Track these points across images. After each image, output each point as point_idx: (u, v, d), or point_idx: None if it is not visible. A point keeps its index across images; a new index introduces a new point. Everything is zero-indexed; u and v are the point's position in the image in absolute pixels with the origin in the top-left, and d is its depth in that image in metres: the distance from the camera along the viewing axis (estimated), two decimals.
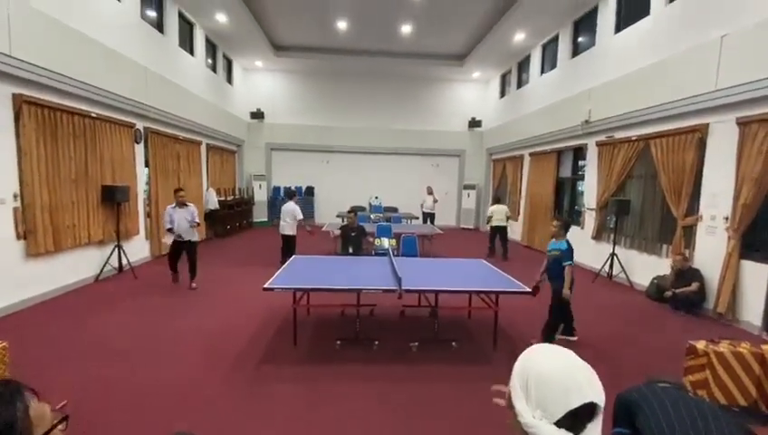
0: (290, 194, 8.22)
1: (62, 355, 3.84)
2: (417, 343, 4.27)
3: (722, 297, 5.27)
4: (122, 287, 6.05)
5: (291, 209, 7.71)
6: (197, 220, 5.87)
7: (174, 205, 5.83)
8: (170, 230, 5.78)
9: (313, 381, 3.52)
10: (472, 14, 10.10)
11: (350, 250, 6.42)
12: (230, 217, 11.57)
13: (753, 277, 5.05)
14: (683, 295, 5.62)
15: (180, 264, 6.14)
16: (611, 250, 7.31)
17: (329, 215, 13.15)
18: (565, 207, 9.88)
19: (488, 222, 9.43)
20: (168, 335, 4.36)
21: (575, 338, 4.49)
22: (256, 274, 7.00)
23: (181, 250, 5.99)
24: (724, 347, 3.03)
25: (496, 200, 9.88)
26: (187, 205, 5.83)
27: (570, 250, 4.27)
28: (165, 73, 8.31)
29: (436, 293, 4.26)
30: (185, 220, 5.82)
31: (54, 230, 5.52)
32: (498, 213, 9.42)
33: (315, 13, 10.30)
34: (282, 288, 3.87)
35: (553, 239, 4.43)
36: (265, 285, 3.88)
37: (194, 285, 5.95)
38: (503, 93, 13.85)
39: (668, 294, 5.77)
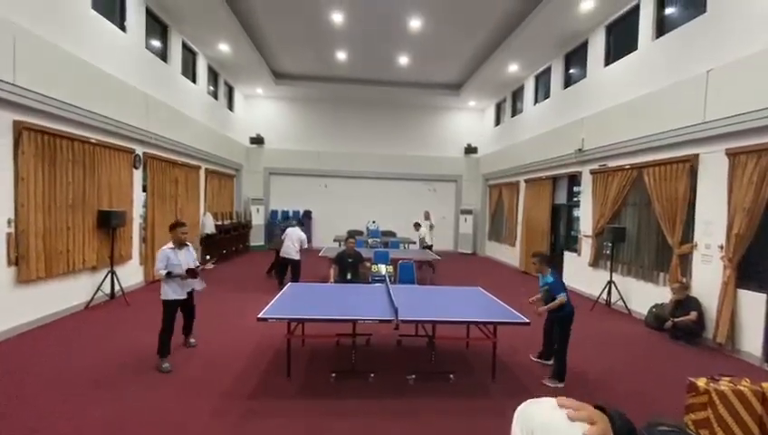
0: (299, 221, 8.36)
1: (42, 385, 3.71)
2: (413, 376, 4.18)
3: (720, 327, 5.22)
4: (113, 314, 5.92)
5: (298, 235, 7.79)
6: (199, 263, 4.57)
7: (171, 245, 4.31)
8: (170, 275, 4.20)
9: (307, 416, 3.41)
10: (467, 46, 10.46)
11: (348, 277, 6.36)
12: (227, 242, 11.51)
13: (750, 307, 5.02)
14: (682, 325, 5.57)
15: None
16: (609, 277, 7.29)
17: (326, 239, 13.12)
18: (561, 232, 9.91)
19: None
20: (156, 364, 4.24)
21: (561, 385, 4.14)
22: (252, 300, 6.88)
23: (185, 304, 4.57)
24: (724, 385, 2.98)
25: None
26: (187, 244, 4.44)
27: (557, 282, 4.28)
28: (166, 100, 8.46)
29: (434, 323, 4.20)
30: (189, 266, 4.39)
31: (47, 256, 5.45)
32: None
33: (316, 44, 10.63)
34: (276, 319, 3.81)
35: (540, 274, 4.46)
36: (260, 315, 3.81)
37: (192, 340, 4.80)
38: (498, 121, 14.12)
39: (669, 324, 5.71)
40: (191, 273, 4.29)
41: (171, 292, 4.27)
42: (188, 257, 4.41)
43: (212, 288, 7.89)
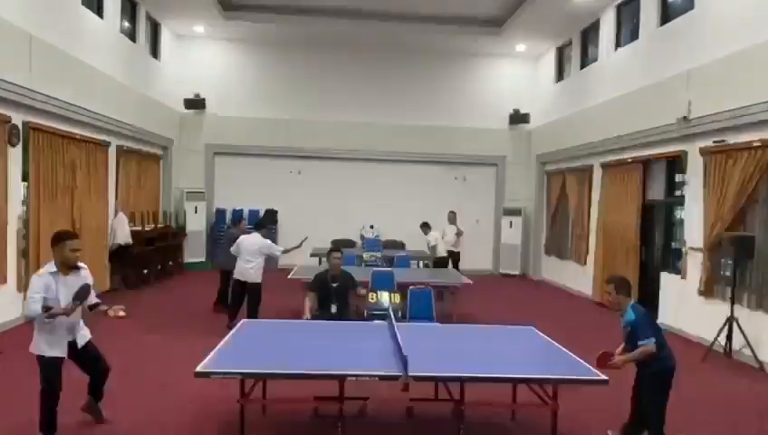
0: (261, 223, 8.43)
1: None
2: None
3: None
4: None
5: (258, 244, 7.81)
6: (97, 299, 4.45)
7: (53, 268, 4.11)
8: (48, 311, 3.90)
9: None
10: None
11: (333, 310, 6.35)
12: (149, 257, 11.55)
13: None
14: None
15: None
16: (729, 312, 7.26)
17: (299, 253, 13.05)
18: (657, 244, 9.88)
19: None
20: None
21: None
22: (187, 345, 6.84)
23: (83, 358, 4.39)
24: None
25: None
26: (79, 267, 4.29)
27: (643, 320, 4.21)
28: (58, 43, 8.49)
29: (462, 381, 4.19)
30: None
31: None
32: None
33: None
34: (223, 374, 3.80)
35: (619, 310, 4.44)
36: (199, 369, 3.81)
37: (104, 415, 4.64)
38: (560, 75, 14.12)
39: None
40: (74, 310, 4.09)
41: (45, 344, 4.04)
42: (77, 284, 4.13)
43: (128, 328, 7.87)
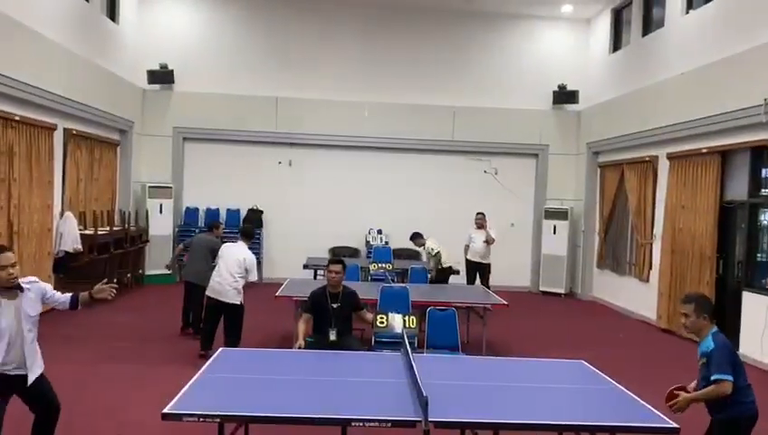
0: (248, 232, 8.46)
1: None
2: None
3: None
4: None
5: (240, 257, 7.83)
6: (63, 295, 4.58)
7: None
8: None
9: None
10: None
11: (332, 337, 6.35)
12: (102, 268, 11.58)
13: None
14: None
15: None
16: None
17: (290, 264, 13.16)
18: (737, 256, 9.84)
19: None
20: None
21: None
22: (152, 378, 6.87)
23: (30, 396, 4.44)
24: None
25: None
26: (22, 288, 4.27)
27: (720, 351, 4.12)
28: None
29: (496, 428, 4.19)
30: (21, 331, 4.23)
31: None
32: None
33: None
34: (198, 416, 3.81)
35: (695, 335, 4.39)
36: (167, 410, 3.81)
37: None
38: (616, 44, 14.08)
39: None
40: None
41: None
42: (22, 308, 4.21)
43: (77, 355, 7.91)
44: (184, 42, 14.61)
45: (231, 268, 7.79)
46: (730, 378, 4.04)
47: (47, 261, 10.26)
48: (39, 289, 4.39)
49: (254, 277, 8.05)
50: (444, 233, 13.80)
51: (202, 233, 10.37)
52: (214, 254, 8.38)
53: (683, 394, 4.24)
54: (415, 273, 10.82)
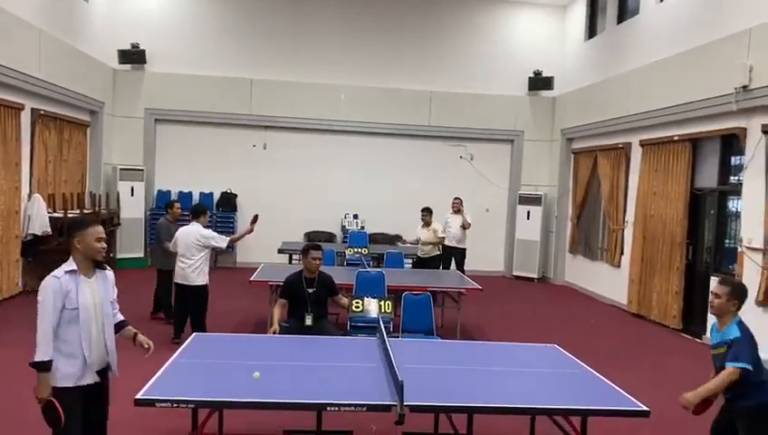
0: (199, 210, 8.27)
1: None
2: None
3: None
4: None
5: (195, 236, 7.80)
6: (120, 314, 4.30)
7: (72, 265, 3.97)
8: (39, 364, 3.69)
9: None
10: None
11: (308, 321, 6.35)
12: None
13: None
14: None
15: None
16: None
17: (265, 248, 13.10)
18: (706, 242, 10.01)
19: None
20: None
21: None
22: (123, 365, 6.83)
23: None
24: None
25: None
26: (104, 267, 4.18)
27: (746, 340, 4.09)
28: None
29: (470, 412, 4.23)
30: (102, 316, 3.98)
31: None
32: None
33: None
34: (171, 401, 3.80)
35: (716, 323, 4.33)
36: (139, 395, 3.80)
37: None
38: (592, 31, 14.14)
39: None
40: None
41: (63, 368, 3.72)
42: (105, 293, 4.05)
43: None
44: (156, 21, 14.38)
45: (188, 251, 7.77)
46: (750, 367, 3.98)
47: (15, 244, 10.10)
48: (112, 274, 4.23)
49: (219, 244, 7.97)
50: (420, 218, 13.92)
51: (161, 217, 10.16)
52: (166, 236, 8.51)
53: (687, 395, 4.06)
54: (391, 257, 10.86)
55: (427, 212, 11.14)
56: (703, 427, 4.34)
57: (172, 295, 8.49)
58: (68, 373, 3.71)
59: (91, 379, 3.81)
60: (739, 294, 4.27)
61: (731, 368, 3.99)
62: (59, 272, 3.86)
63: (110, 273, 4.20)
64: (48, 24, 11.11)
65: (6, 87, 9.70)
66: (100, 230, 4.03)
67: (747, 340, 4.12)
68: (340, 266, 10.24)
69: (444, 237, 11.21)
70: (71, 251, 3.96)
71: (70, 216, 11.42)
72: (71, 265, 3.91)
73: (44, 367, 3.64)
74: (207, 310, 7.91)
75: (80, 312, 3.80)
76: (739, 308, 4.27)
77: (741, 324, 4.19)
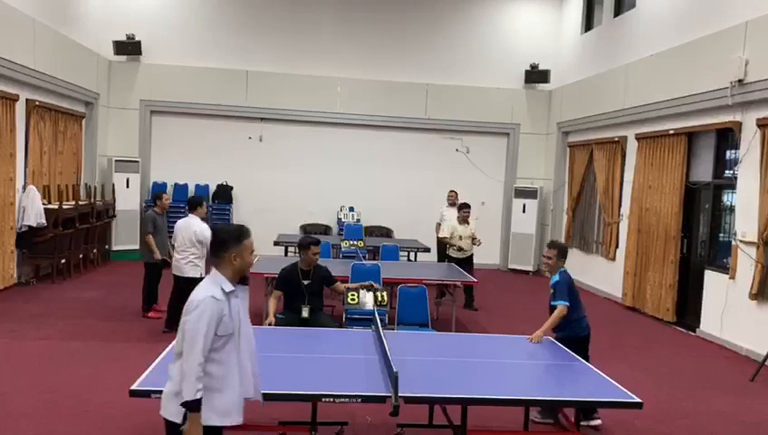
0: (194, 203, 8.20)
1: None
2: None
3: None
4: None
5: (192, 230, 7.83)
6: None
7: (228, 285, 3.39)
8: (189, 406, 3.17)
9: None
10: None
11: (304, 313, 6.37)
12: (67, 243, 11.42)
13: None
14: None
15: None
16: None
17: (261, 241, 13.07)
18: (701, 236, 10.05)
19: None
20: None
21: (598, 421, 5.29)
22: (118, 355, 6.83)
23: None
24: None
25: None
26: (247, 282, 3.62)
27: (562, 284, 5.36)
28: None
29: (464, 403, 4.25)
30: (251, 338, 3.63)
31: None
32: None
33: None
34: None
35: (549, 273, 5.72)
36: (134, 386, 3.81)
37: None
38: (588, 24, 14.13)
39: None
40: None
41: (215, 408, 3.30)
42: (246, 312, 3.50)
43: (41, 333, 7.82)
44: (152, 12, 14.30)
45: (184, 244, 7.82)
46: (566, 303, 5.27)
47: (10, 236, 10.08)
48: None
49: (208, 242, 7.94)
50: (416, 210, 13.96)
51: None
52: (150, 227, 8.59)
53: (536, 332, 5.31)
54: (386, 250, 10.87)
55: (467, 208, 10.57)
56: (695, 418, 4.39)
57: (157, 288, 8.73)
58: (222, 409, 3.31)
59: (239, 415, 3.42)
60: (563, 252, 5.74)
61: (557, 306, 5.30)
62: (215, 291, 3.20)
63: (247, 287, 3.54)
64: (43, 14, 11.06)
65: (0, 78, 9.65)
66: (252, 241, 3.46)
67: (564, 282, 5.38)
68: (336, 259, 10.24)
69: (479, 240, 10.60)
70: (218, 265, 3.33)
71: (65, 207, 11.38)
72: (225, 282, 3.28)
73: (197, 407, 3.10)
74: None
75: (233, 338, 3.32)
76: (563, 263, 5.63)
77: (562, 273, 5.49)
